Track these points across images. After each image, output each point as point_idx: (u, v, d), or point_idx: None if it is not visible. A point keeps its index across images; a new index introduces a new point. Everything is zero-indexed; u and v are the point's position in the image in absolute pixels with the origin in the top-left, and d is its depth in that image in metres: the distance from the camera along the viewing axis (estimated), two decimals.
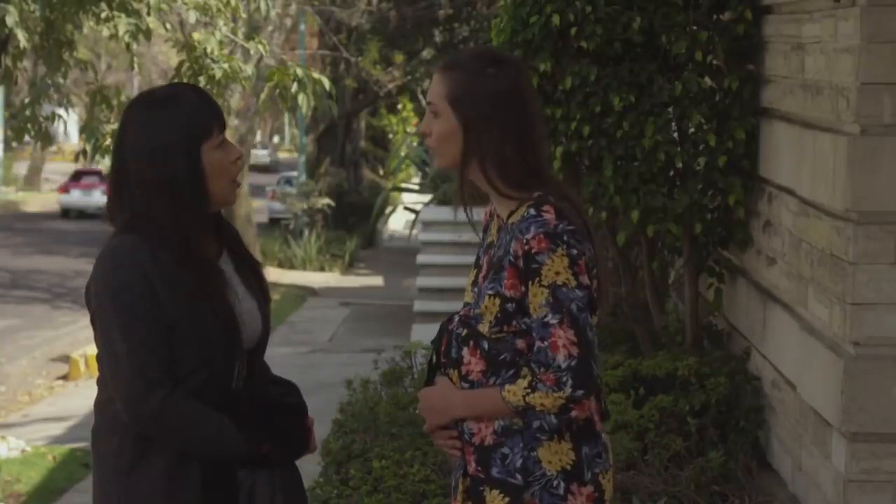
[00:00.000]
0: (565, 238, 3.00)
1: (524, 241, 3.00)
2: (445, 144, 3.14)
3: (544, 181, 3.11)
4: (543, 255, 2.99)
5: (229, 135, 3.37)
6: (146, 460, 3.12)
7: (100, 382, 3.20)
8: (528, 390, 2.99)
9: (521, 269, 3.01)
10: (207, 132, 3.16)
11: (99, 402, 3.21)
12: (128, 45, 8.70)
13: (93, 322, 3.16)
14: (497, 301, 3.04)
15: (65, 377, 13.62)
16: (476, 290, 3.14)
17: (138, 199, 3.14)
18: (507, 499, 3.05)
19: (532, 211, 3.03)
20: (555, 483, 3.04)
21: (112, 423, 3.15)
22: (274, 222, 28.90)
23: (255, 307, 3.25)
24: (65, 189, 34.56)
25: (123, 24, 8.48)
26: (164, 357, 3.06)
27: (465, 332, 3.11)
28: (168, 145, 3.12)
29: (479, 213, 3.24)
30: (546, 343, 2.98)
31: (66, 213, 33.72)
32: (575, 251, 3.00)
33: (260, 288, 3.31)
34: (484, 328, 3.06)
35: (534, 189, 3.09)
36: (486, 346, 3.07)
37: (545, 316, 2.99)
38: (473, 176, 3.13)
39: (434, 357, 3.21)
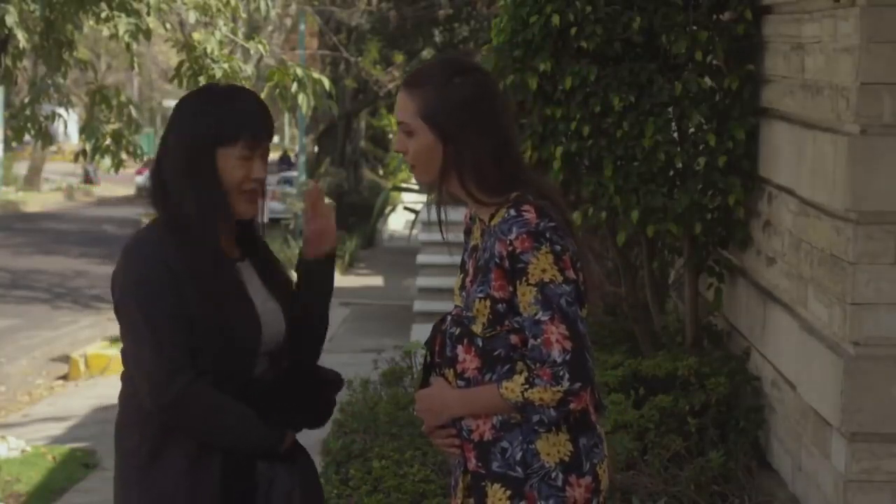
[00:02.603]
0: (548, 235, 3.03)
1: (507, 241, 3.03)
2: (425, 160, 3.15)
3: (522, 182, 3.13)
4: (528, 255, 3.02)
5: None
6: (167, 454, 3.13)
7: (124, 378, 3.23)
8: (526, 386, 3.01)
9: (507, 270, 3.04)
10: (229, 138, 3.16)
11: (123, 396, 3.24)
12: (128, 45, 8.70)
13: (116, 313, 3.18)
14: (487, 303, 3.07)
15: (65, 377, 13.61)
16: (464, 293, 3.16)
17: (169, 188, 3.18)
18: (508, 492, 3.07)
19: (512, 212, 3.06)
20: (553, 475, 3.06)
21: (135, 417, 3.17)
22: (274, 222, 28.89)
23: (277, 308, 3.27)
24: (139, 172, 38.08)
25: (123, 24, 8.49)
26: (187, 346, 3.08)
27: (458, 330, 3.13)
28: (190, 140, 3.16)
29: (456, 214, 3.25)
30: (539, 340, 3.01)
31: (140, 191, 37.42)
32: (559, 247, 3.03)
33: (285, 290, 3.32)
34: (477, 329, 3.08)
35: (511, 191, 3.11)
36: (479, 342, 3.10)
37: (536, 314, 3.01)
38: (452, 187, 3.15)
39: (428, 358, 3.23)
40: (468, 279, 3.17)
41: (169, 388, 3.05)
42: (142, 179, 37.75)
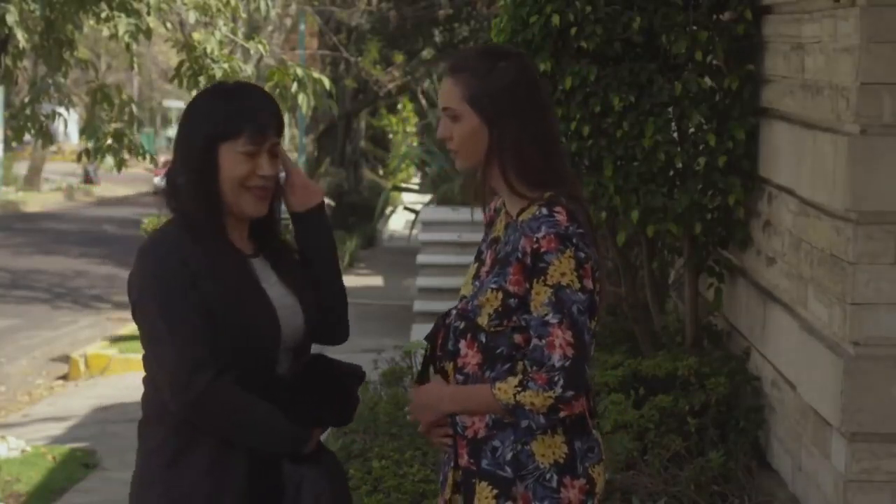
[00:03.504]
0: (574, 241, 3.03)
1: (534, 239, 3.03)
2: (469, 145, 3.15)
3: (559, 180, 3.13)
4: (551, 255, 3.02)
5: None
6: (190, 454, 3.11)
7: (145, 380, 3.21)
8: (519, 388, 3.02)
9: (527, 267, 3.04)
10: (232, 133, 3.15)
11: (145, 398, 3.22)
12: (128, 45, 8.70)
13: (134, 315, 3.17)
14: (499, 295, 3.07)
15: (65, 377, 13.60)
16: (477, 283, 3.16)
17: (177, 187, 3.19)
18: (495, 491, 3.08)
19: (544, 210, 3.06)
20: (547, 476, 3.07)
21: (157, 418, 3.15)
22: None
23: (296, 303, 3.25)
24: (157, 174, 39.18)
25: (123, 24, 8.49)
26: (208, 341, 3.06)
27: (462, 325, 3.14)
28: (193, 135, 3.16)
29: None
30: (543, 342, 3.01)
31: (157, 192, 37.64)
32: (583, 254, 3.03)
33: (303, 286, 3.31)
34: (483, 320, 3.08)
35: (548, 188, 3.11)
36: (483, 339, 3.10)
37: (546, 315, 3.01)
38: (492, 176, 3.15)
39: (429, 351, 3.23)
40: (484, 269, 3.17)
41: (191, 386, 3.03)
42: (159, 180, 38.28)
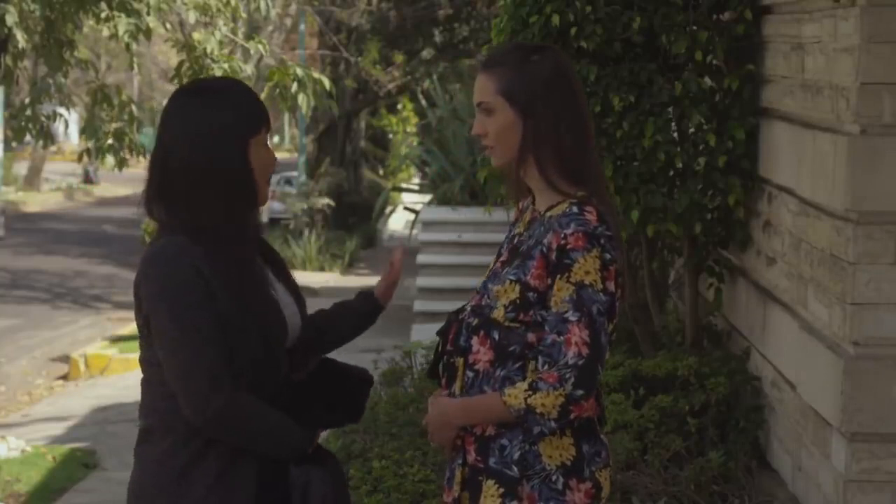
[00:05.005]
0: (602, 241, 3.02)
1: (562, 234, 3.02)
2: (504, 139, 3.13)
3: (592, 179, 3.12)
4: (577, 253, 3.01)
5: None
6: (199, 464, 3.06)
7: (148, 388, 3.14)
8: (529, 392, 3.01)
9: (551, 262, 3.03)
10: (258, 127, 3.11)
11: (148, 404, 3.15)
12: (128, 45, 8.70)
13: (145, 325, 3.08)
14: (517, 288, 3.06)
15: (65, 377, 13.62)
16: (493, 277, 3.16)
17: (180, 189, 3.07)
18: (501, 489, 3.07)
19: (575, 209, 3.05)
20: (553, 478, 3.06)
21: (166, 425, 3.09)
22: (274, 222, 28.90)
23: (293, 303, 3.24)
24: None
25: (123, 24, 8.49)
26: (225, 353, 3.01)
27: (476, 321, 3.12)
28: (221, 132, 3.06)
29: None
30: (561, 338, 3.00)
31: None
32: (608, 256, 3.03)
33: (296, 286, 3.30)
34: (499, 313, 3.07)
35: (581, 186, 3.10)
36: (496, 336, 3.09)
37: (566, 312, 3.01)
38: (528, 170, 3.13)
39: (440, 346, 3.23)
40: (501, 260, 3.16)
41: (210, 401, 2.97)
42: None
